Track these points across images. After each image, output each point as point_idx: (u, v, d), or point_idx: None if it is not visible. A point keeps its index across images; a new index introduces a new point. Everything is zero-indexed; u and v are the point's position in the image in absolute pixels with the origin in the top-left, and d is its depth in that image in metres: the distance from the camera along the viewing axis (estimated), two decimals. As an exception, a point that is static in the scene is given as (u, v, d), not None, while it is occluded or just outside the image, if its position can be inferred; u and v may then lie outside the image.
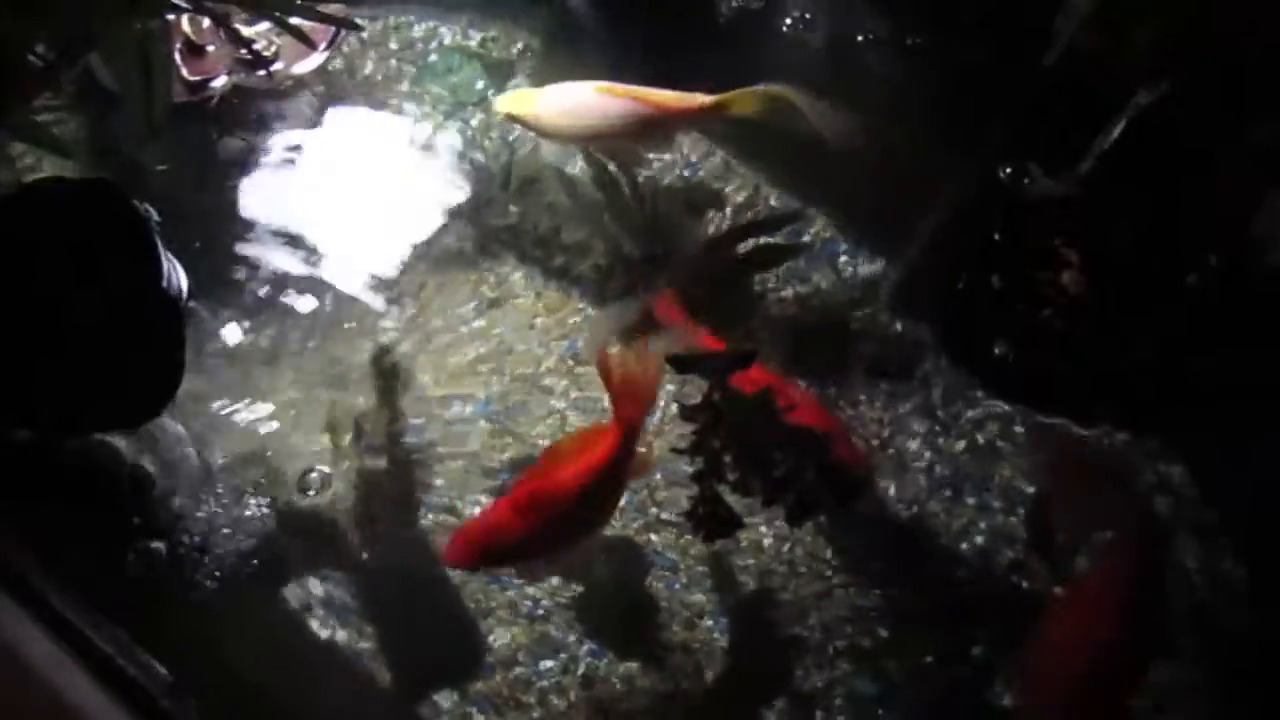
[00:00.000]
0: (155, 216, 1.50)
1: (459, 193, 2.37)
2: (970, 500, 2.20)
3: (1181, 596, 2.01)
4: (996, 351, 1.73)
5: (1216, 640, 2.02)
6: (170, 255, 1.52)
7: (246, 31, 2.22)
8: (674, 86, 2.23)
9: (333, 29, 2.24)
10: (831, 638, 2.13)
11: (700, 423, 1.72)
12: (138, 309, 1.46)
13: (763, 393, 1.70)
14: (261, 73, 2.20)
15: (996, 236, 1.76)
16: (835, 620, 2.14)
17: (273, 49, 2.28)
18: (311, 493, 2.13)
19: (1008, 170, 1.70)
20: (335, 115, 2.42)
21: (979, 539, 2.18)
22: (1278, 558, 1.98)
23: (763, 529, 2.19)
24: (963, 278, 1.80)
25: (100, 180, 1.52)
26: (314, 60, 2.30)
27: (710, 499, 1.73)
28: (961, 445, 2.24)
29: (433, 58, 2.55)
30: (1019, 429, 2.22)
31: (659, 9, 2.40)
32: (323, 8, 1.97)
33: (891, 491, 2.21)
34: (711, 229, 2.39)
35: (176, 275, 1.55)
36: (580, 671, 2.14)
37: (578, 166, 2.42)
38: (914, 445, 2.26)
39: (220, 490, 1.97)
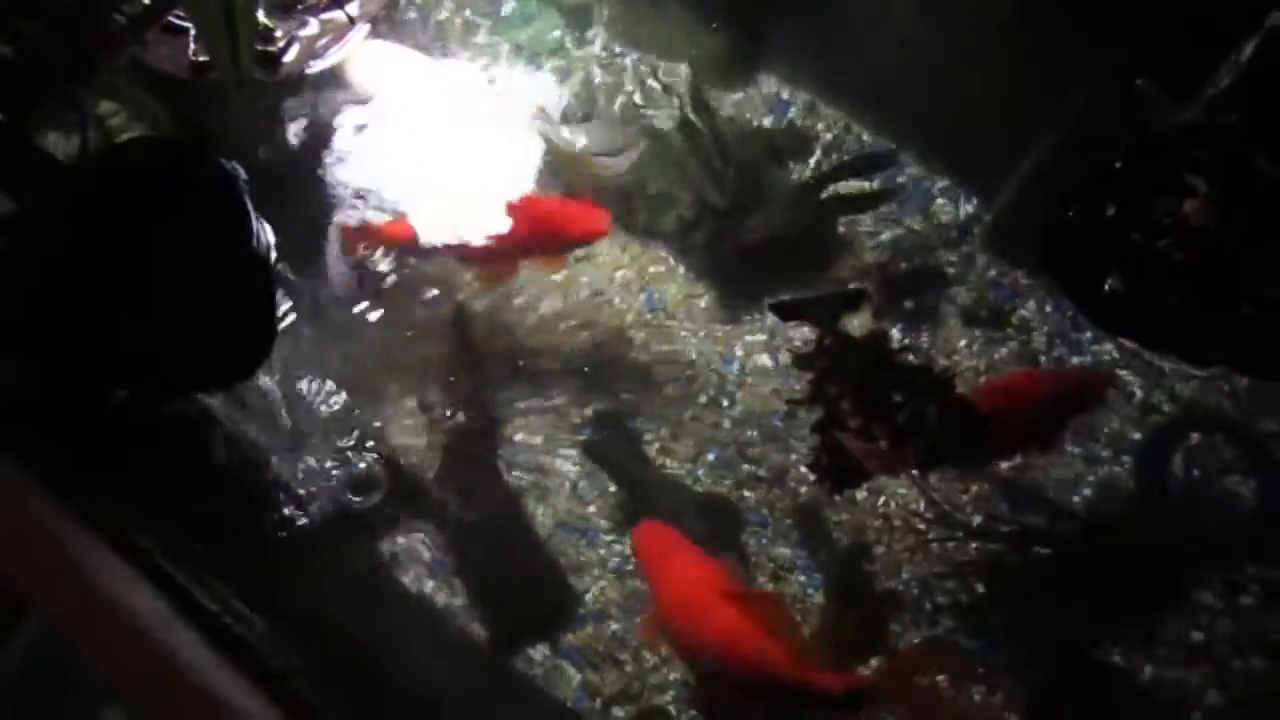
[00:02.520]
0: (244, 175, 1.49)
1: (536, 146, 2.32)
2: (1076, 450, 2.12)
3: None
4: (1107, 284, 1.63)
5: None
6: (259, 214, 1.51)
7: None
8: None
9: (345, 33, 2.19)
10: (929, 593, 2.08)
11: (816, 370, 1.65)
12: (229, 267, 1.45)
13: (875, 334, 1.64)
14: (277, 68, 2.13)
15: (1117, 165, 1.64)
16: (932, 575, 2.09)
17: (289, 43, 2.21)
18: (402, 451, 2.14)
19: (1136, 93, 1.58)
20: (410, 67, 2.39)
21: (1086, 491, 2.09)
22: None
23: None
24: (1074, 205, 1.68)
25: (191, 139, 1.52)
26: (327, 60, 2.24)
27: (835, 448, 1.68)
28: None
29: (509, 5, 2.50)
30: (1127, 374, 2.13)
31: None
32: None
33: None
34: (798, 175, 2.31)
35: (265, 234, 1.55)
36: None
37: (663, 113, 2.35)
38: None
39: (314, 450, 1.98)
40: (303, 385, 1.98)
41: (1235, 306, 1.54)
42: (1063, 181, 1.84)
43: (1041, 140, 2.05)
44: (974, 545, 2.09)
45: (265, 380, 1.69)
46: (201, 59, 1.98)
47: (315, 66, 2.18)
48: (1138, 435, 2.10)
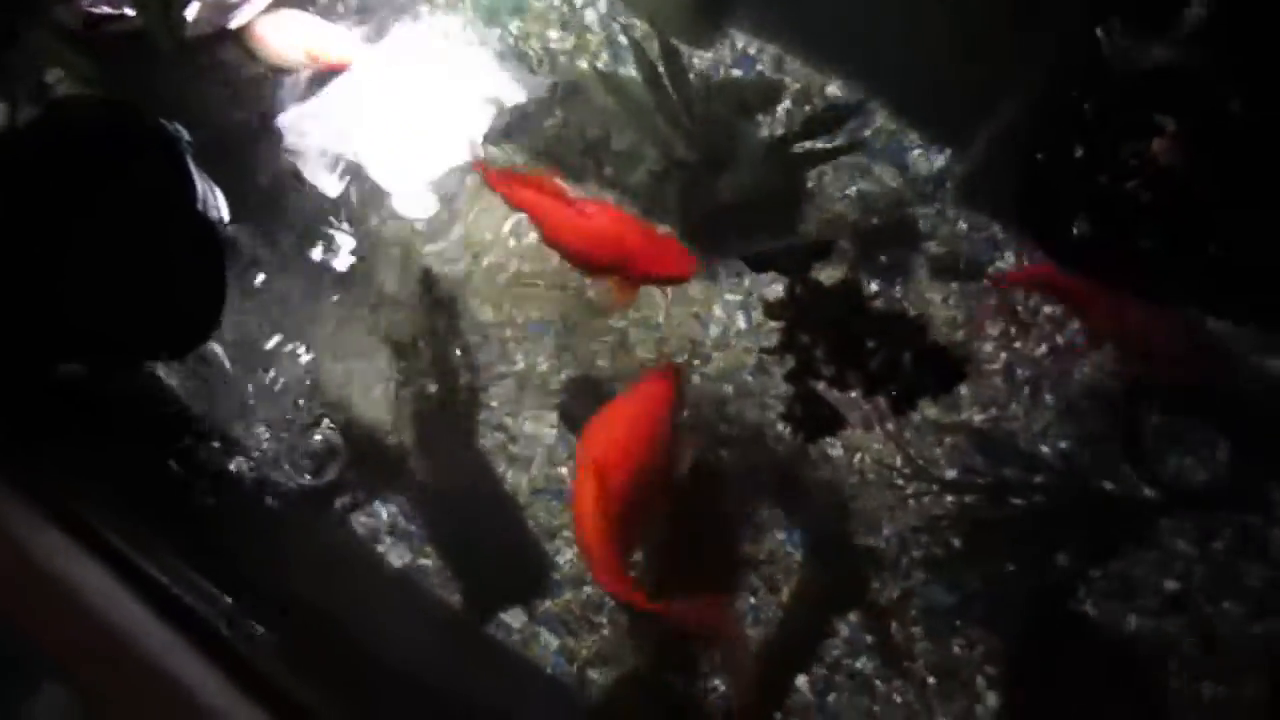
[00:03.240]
0: (186, 136, 1.44)
1: (503, 103, 2.27)
2: (1049, 400, 2.10)
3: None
4: (1075, 227, 1.60)
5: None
6: (207, 178, 1.46)
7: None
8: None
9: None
10: (906, 548, 2.07)
11: (787, 318, 1.64)
12: (173, 230, 1.40)
13: (846, 282, 1.62)
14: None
15: (1086, 106, 1.61)
16: (909, 530, 2.08)
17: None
18: (367, 420, 2.11)
19: (1102, 35, 1.54)
20: (369, 29, 2.33)
21: (1062, 443, 2.08)
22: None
23: (828, 438, 2.12)
24: (1042, 149, 1.66)
25: (127, 100, 1.45)
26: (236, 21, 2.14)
27: (808, 397, 1.66)
28: (1043, 348, 2.14)
29: (466, -40, 2.43)
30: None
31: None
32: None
33: (964, 393, 2.13)
34: (768, 130, 2.27)
35: (214, 198, 1.50)
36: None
37: (625, 67, 2.30)
38: (989, 347, 2.16)
39: (271, 418, 1.94)
40: (260, 350, 1.93)
41: (1203, 247, 1.51)
42: (1033, 131, 1.81)
43: (1015, 88, 2.01)
44: (950, 499, 2.08)
45: (217, 347, 1.64)
46: (97, 10, 1.84)
47: (230, 22, 2.08)
48: (1113, 386, 2.08)
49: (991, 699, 2.00)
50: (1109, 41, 1.56)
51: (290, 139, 2.11)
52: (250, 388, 1.90)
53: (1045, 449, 2.08)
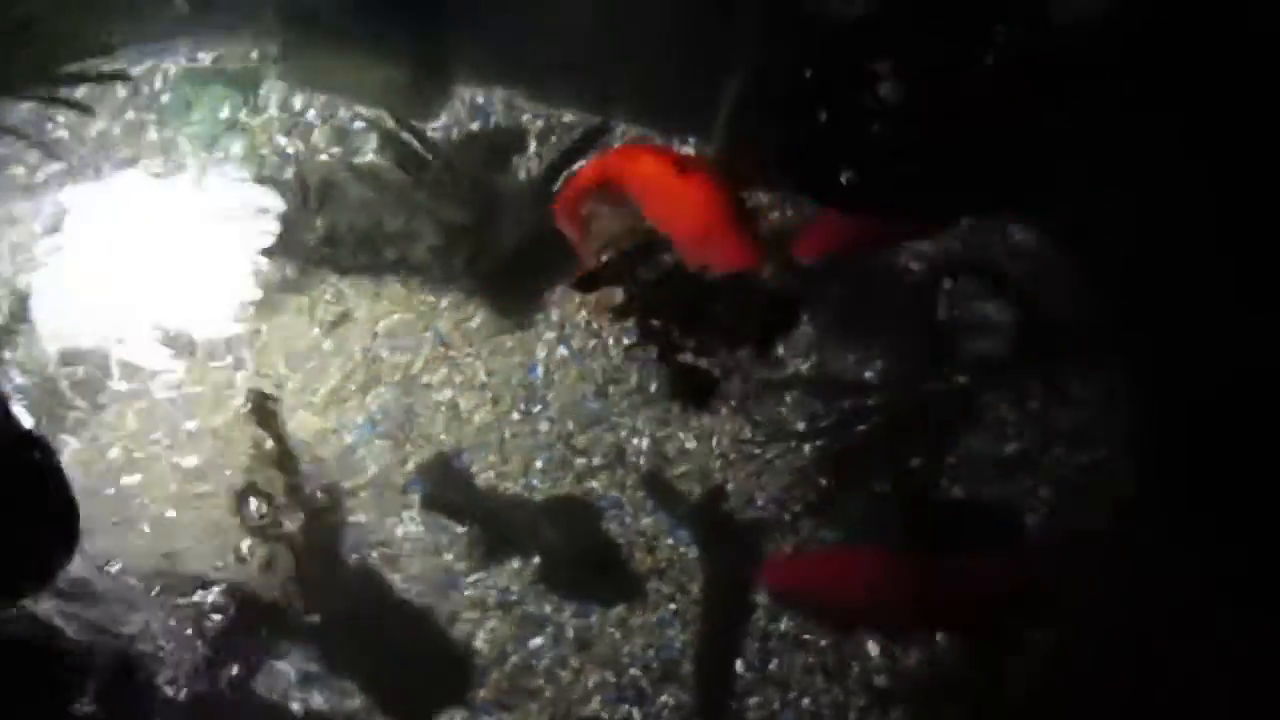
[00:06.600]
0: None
1: (257, 224, 2.20)
2: (856, 330, 2.29)
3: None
4: (844, 179, 1.78)
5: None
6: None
7: None
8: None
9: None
10: (786, 505, 2.19)
11: (635, 312, 1.81)
12: None
13: (672, 267, 1.81)
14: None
15: (808, 74, 1.79)
16: (782, 490, 2.20)
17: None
18: (238, 573, 1.98)
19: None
20: (87, 192, 2.18)
21: (878, 363, 2.27)
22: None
23: (681, 434, 2.22)
24: (788, 123, 1.82)
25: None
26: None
27: (682, 370, 1.85)
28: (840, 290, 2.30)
29: (166, 95, 2.32)
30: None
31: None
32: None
33: (781, 351, 2.26)
34: (524, 171, 2.32)
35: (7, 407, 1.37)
36: (572, 636, 2.12)
37: (368, 154, 2.29)
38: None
39: (146, 603, 1.81)
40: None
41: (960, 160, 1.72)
42: (768, 101, 1.97)
43: (735, 65, 2.17)
44: (807, 448, 2.22)
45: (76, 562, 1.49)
46: None
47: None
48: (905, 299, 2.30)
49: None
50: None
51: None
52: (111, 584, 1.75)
53: (868, 374, 2.27)
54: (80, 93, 2.11)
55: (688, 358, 1.83)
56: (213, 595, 1.85)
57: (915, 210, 1.91)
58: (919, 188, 1.82)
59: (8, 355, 2.09)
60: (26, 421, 1.37)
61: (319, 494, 2.09)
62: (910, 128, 1.77)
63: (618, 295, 1.98)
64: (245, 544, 1.97)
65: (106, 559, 1.87)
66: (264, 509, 1.94)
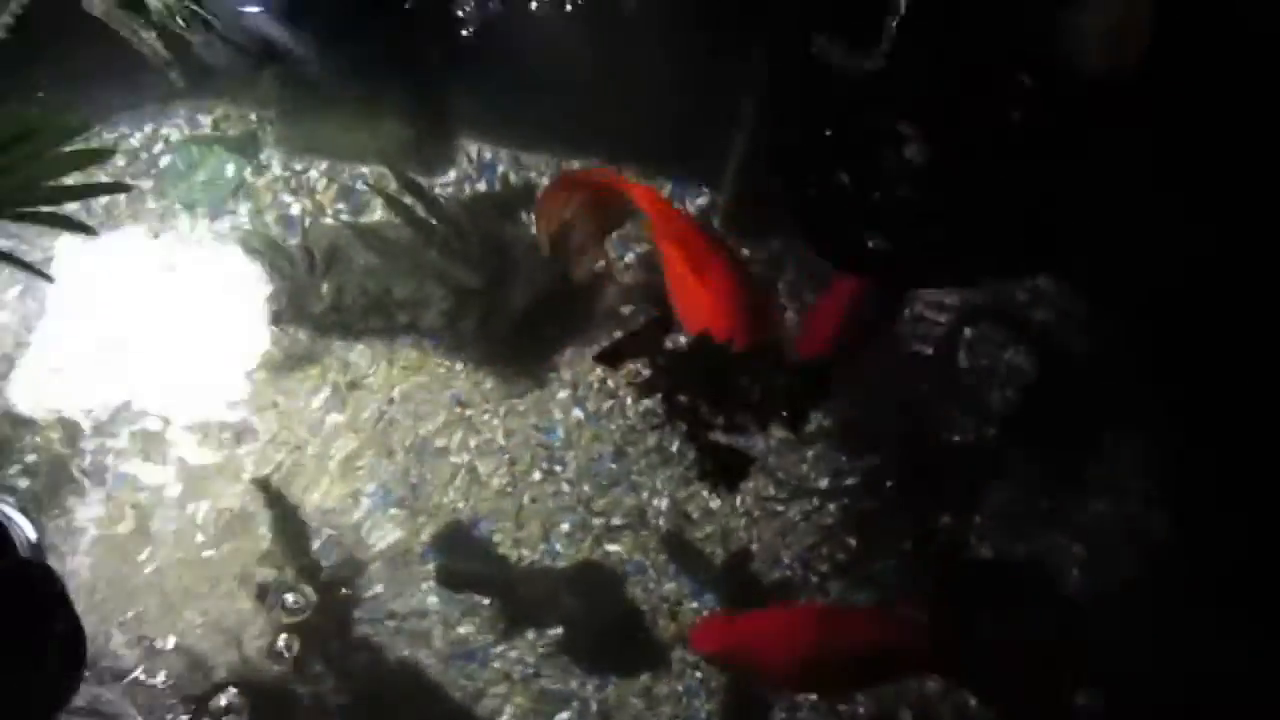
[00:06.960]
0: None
1: (264, 293, 2.14)
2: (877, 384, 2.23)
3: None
4: (871, 245, 1.72)
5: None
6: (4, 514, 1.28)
7: None
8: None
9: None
10: (812, 565, 2.14)
11: (661, 390, 1.73)
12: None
13: (699, 339, 1.73)
14: None
15: (828, 133, 1.72)
16: (808, 549, 2.15)
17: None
18: (257, 666, 1.94)
19: (818, 49, 1.65)
20: (95, 265, 2.13)
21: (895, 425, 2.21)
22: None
23: (705, 494, 2.16)
24: (810, 184, 1.76)
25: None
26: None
27: (712, 449, 1.75)
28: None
29: (165, 160, 2.27)
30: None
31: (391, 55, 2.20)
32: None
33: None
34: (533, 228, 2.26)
35: (19, 529, 1.32)
36: (595, 710, 2.07)
37: (376, 211, 2.23)
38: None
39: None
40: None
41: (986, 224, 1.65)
42: (777, 152, 1.90)
43: (744, 116, 2.11)
44: (833, 505, 2.17)
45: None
46: None
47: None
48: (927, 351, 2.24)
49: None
50: (826, 52, 1.66)
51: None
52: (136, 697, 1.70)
53: (892, 427, 2.21)
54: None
55: (718, 435, 1.75)
56: (227, 697, 1.80)
57: (942, 276, 1.85)
58: (946, 252, 1.77)
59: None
60: (30, 533, 1.31)
61: (333, 576, 2.04)
62: (935, 191, 1.71)
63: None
64: (260, 636, 1.92)
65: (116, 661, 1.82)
66: (280, 601, 1.88)
